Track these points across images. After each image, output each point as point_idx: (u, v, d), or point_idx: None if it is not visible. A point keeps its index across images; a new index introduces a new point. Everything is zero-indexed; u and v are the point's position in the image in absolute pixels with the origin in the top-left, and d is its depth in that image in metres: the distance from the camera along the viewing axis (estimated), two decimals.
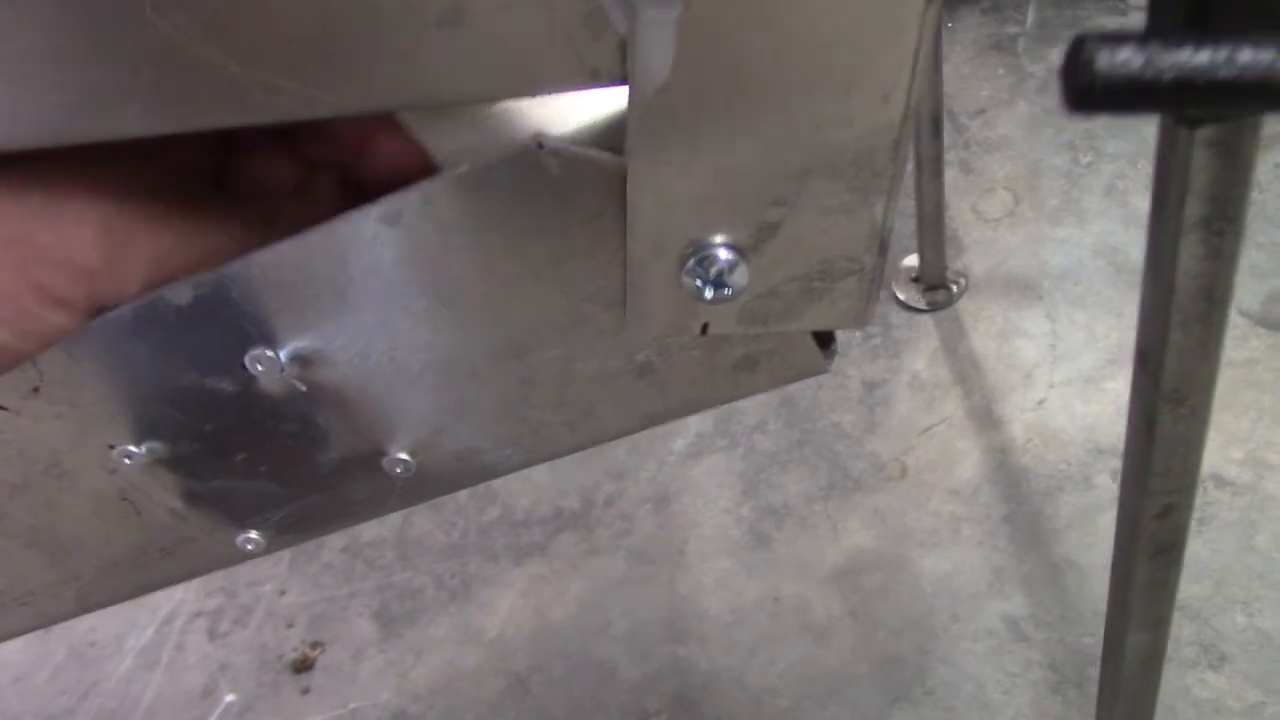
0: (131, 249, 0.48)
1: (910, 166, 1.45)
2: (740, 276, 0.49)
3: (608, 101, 0.59)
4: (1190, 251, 0.46)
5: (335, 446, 0.57)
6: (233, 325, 0.51)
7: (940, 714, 1.19)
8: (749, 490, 1.44)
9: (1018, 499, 1.33)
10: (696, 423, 1.55)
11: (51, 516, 0.59)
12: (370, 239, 0.48)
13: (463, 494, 1.58)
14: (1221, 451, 1.29)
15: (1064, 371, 1.42)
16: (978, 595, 1.27)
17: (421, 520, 1.58)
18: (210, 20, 0.39)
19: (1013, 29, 1.85)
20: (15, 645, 1.64)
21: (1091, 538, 1.27)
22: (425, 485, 0.59)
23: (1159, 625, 0.68)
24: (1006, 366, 1.45)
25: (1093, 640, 1.19)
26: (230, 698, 1.50)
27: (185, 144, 0.50)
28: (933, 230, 1.48)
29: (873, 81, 0.43)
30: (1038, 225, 1.57)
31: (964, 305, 1.52)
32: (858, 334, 1.57)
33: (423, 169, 0.47)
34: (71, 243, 0.45)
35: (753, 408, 1.53)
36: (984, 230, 1.59)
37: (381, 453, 0.57)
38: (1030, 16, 1.87)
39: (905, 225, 1.56)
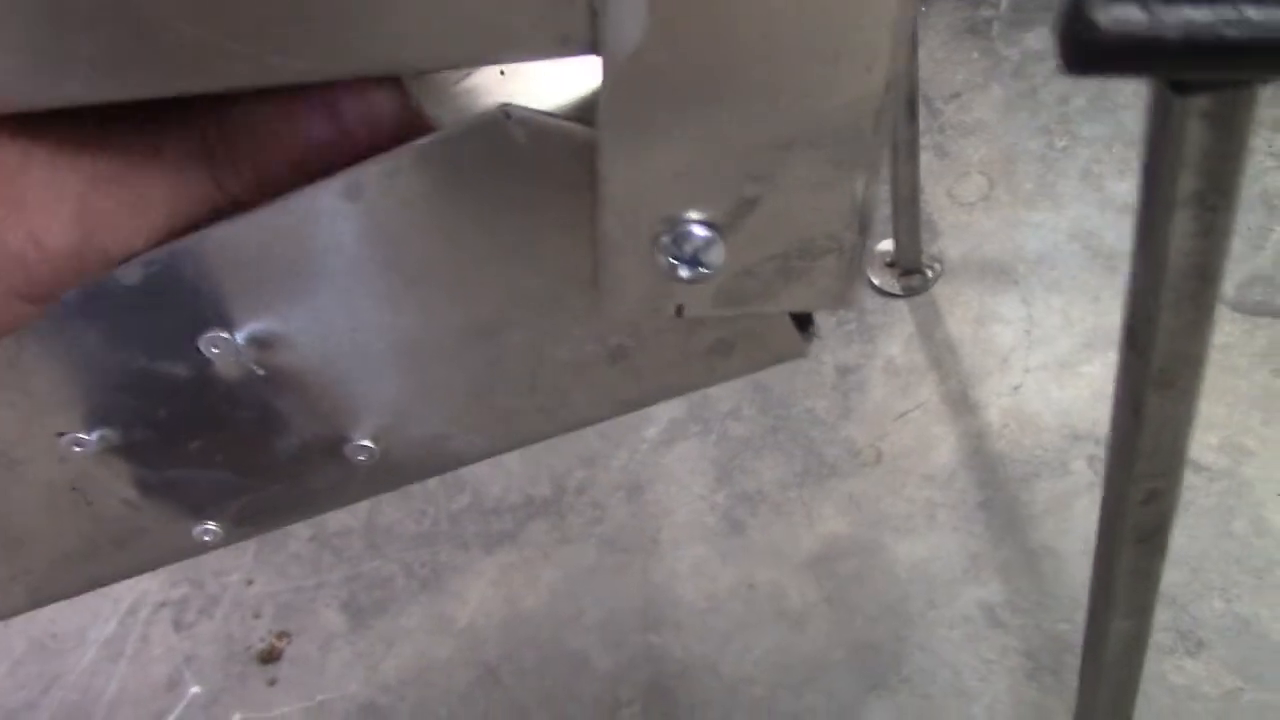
0: (106, 236, 0.45)
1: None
2: (716, 255, 0.48)
3: (585, 78, 0.57)
4: (1182, 228, 0.45)
5: (295, 433, 0.55)
6: (186, 306, 0.49)
7: (917, 701, 1.18)
8: (723, 477, 1.42)
9: (994, 485, 1.32)
10: (669, 409, 1.53)
11: (2, 508, 0.57)
12: (330, 214, 0.46)
13: (432, 481, 1.56)
14: (1198, 437, 1.28)
15: (1040, 356, 1.41)
16: (954, 581, 1.26)
17: (390, 509, 1.56)
18: None
19: (987, 12, 1.84)
20: None
21: (1068, 524, 1.26)
22: (390, 473, 0.57)
23: (1142, 613, 0.67)
24: (982, 352, 1.44)
25: (1069, 627, 1.19)
26: (196, 689, 1.47)
27: (172, 115, 0.48)
28: (908, 214, 1.47)
29: (856, 48, 0.41)
30: (1013, 210, 1.56)
31: (939, 290, 1.51)
32: (832, 319, 1.56)
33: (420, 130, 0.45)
34: (44, 237, 0.43)
35: (726, 394, 1.51)
36: (959, 215, 1.58)
37: (344, 439, 0.55)
38: (1004, 0, 1.85)
39: (880, 210, 1.55)
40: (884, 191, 1.51)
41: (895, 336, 1.49)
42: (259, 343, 0.50)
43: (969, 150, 1.65)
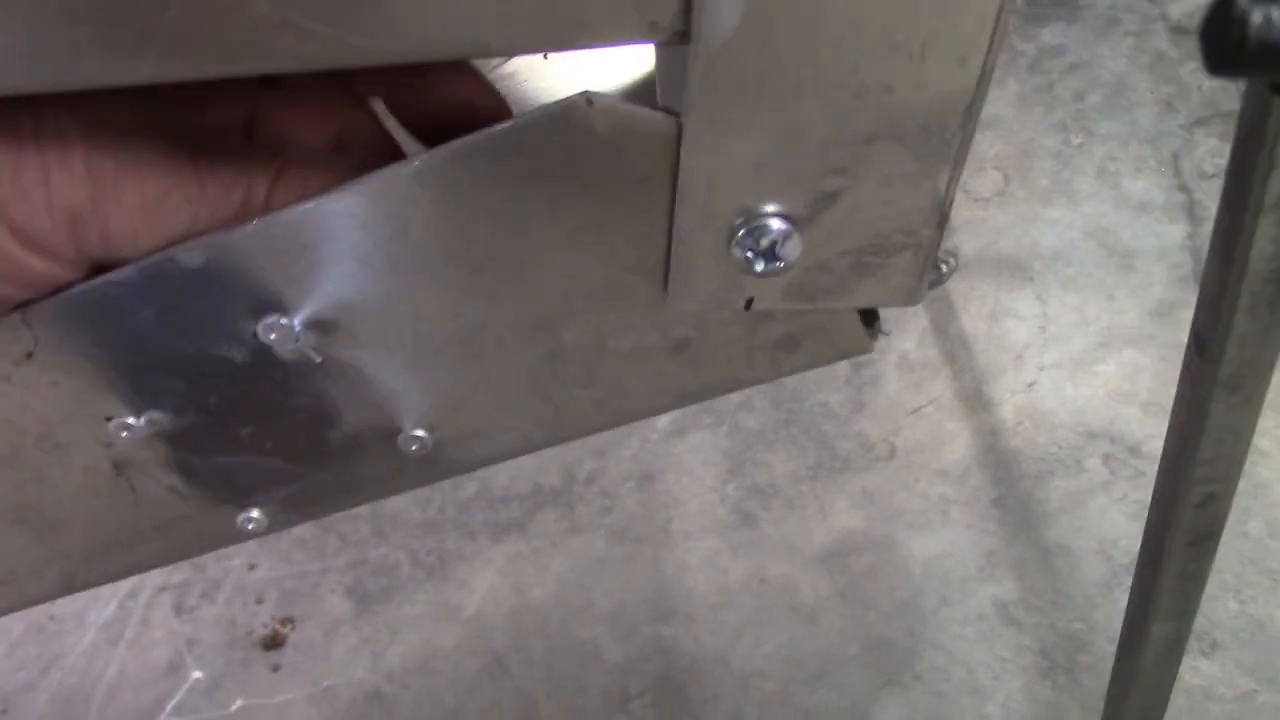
0: (119, 195, 0.44)
1: None
2: (793, 249, 0.47)
3: (632, 62, 0.55)
4: (1268, 232, 0.44)
5: (348, 421, 0.54)
6: (246, 290, 0.48)
7: (930, 699, 1.18)
8: (735, 469, 1.42)
9: (1008, 482, 1.31)
10: None
11: (40, 491, 0.56)
12: (400, 199, 0.45)
13: None
14: None
15: (1054, 354, 1.40)
16: (968, 579, 1.25)
17: (397, 496, 1.55)
18: None
19: None
20: None
21: (1082, 522, 1.26)
22: (441, 463, 0.56)
23: (1185, 616, 0.67)
24: (996, 348, 1.43)
25: (1083, 626, 1.18)
26: (197, 674, 1.46)
27: (197, 92, 0.46)
28: None
29: (951, 42, 0.40)
30: (1029, 205, 1.55)
31: (954, 285, 1.50)
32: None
33: (497, 115, 0.44)
34: (53, 182, 0.42)
35: None
36: (974, 210, 1.57)
37: (397, 429, 0.54)
38: None
39: None
40: None
41: (909, 331, 1.49)
42: (318, 328, 0.49)
43: (984, 145, 1.64)
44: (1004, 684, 1.17)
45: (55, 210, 0.42)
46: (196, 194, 0.45)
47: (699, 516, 1.39)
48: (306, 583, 1.49)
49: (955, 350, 1.44)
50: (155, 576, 1.58)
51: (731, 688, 1.24)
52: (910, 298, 0.51)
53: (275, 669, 1.43)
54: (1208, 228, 1.46)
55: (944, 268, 1.52)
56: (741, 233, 0.47)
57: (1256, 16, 0.27)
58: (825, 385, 1.47)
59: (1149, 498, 1.25)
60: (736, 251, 0.48)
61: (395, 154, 0.47)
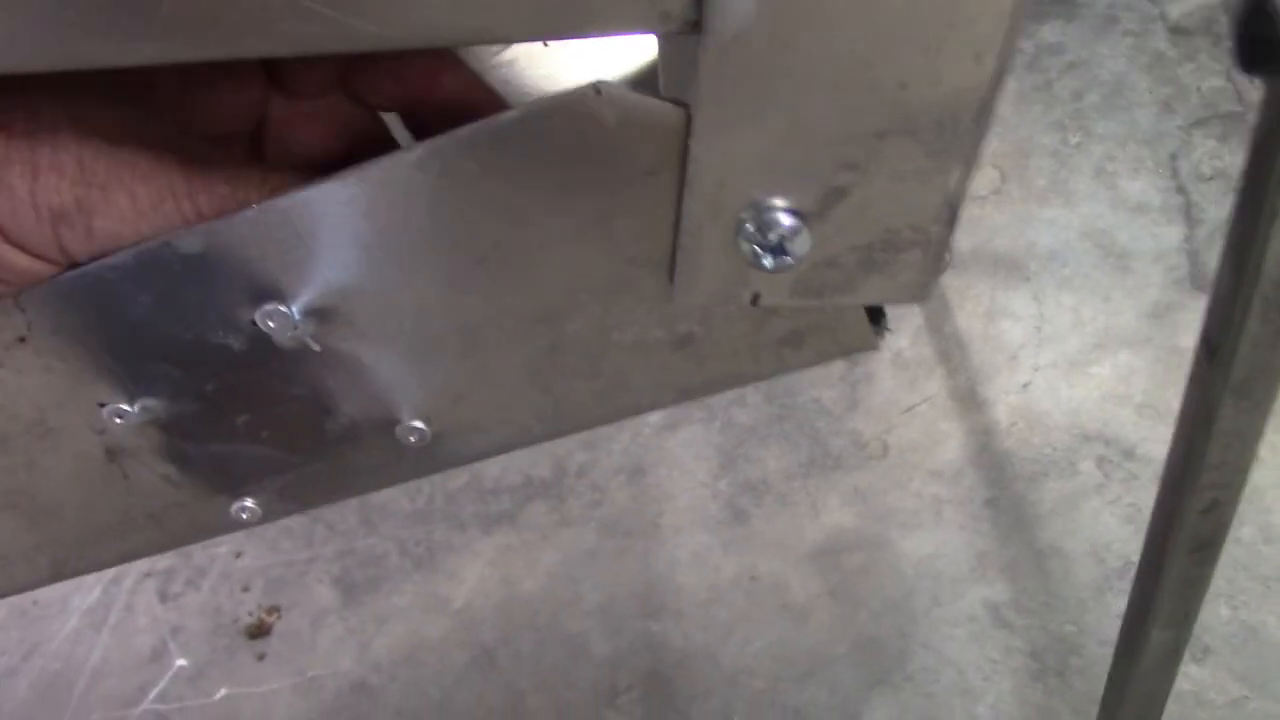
0: (109, 199, 0.43)
1: None
2: (801, 244, 0.46)
3: (637, 49, 0.55)
4: None
5: (346, 411, 0.53)
6: (245, 277, 0.47)
7: (920, 700, 1.17)
8: (726, 464, 1.41)
9: (1001, 483, 1.31)
10: None
11: (31, 477, 0.55)
12: (404, 186, 0.44)
13: None
14: None
15: (1049, 354, 1.40)
16: (959, 579, 1.25)
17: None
18: None
19: None
20: None
21: (1075, 524, 1.26)
22: (438, 455, 0.56)
23: (1185, 622, 0.66)
24: (992, 347, 1.43)
25: (1075, 628, 1.18)
26: (181, 662, 1.45)
27: (204, 95, 0.46)
28: None
29: (967, 37, 0.40)
30: (1025, 205, 1.55)
31: (949, 283, 1.50)
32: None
33: (491, 109, 0.44)
34: (41, 180, 0.41)
35: None
36: (971, 208, 1.57)
37: (396, 419, 0.53)
38: None
39: None
40: None
41: (904, 329, 1.48)
42: (317, 317, 0.48)
43: None
44: (994, 685, 1.17)
45: (40, 208, 0.42)
46: (188, 204, 0.45)
47: (690, 511, 1.38)
48: (293, 572, 1.48)
49: (950, 349, 1.44)
50: (139, 562, 1.57)
51: (720, 684, 1.23)
52: (919, 294, 0.51)
53: (260, 658, 1.42)
54: (1205, 230, 1.46)
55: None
56: (749, 227, 0.47)
57: None
58: (819, 382, 1.46)
59: (1142, 501, 1.25)
60: (744, 246, 0.47)
61: None
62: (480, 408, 0.54)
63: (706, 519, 1.37)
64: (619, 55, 0.52)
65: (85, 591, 1.58)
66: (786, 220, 0.45)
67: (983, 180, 1.59)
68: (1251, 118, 1.47)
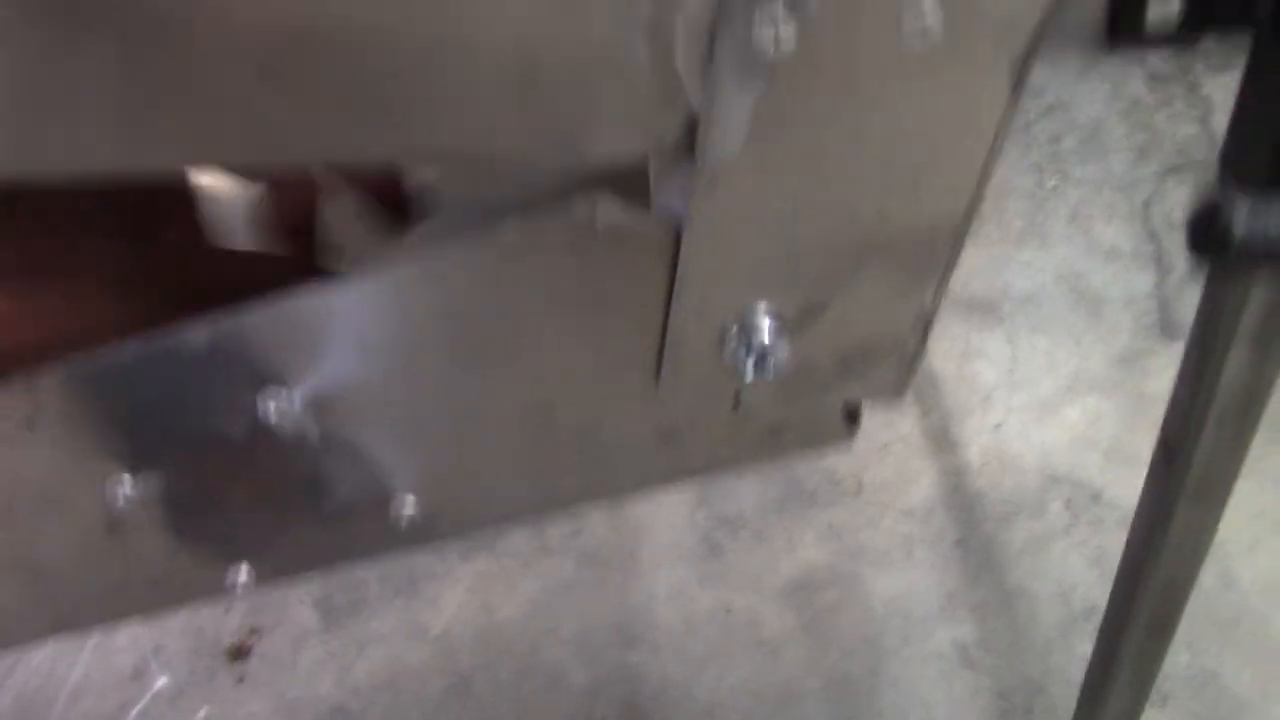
0: (11, 335, 0.46)
1: None
2: (783, 353, 0.48)
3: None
4: (1238, 359, 0.46)
5: (342, 489, 0.55)
6: (250, 368, 0.49)
7: None
8: (704, 498, 1.43)
9: (971, 523, 1.34)
10: None
11: (34, 543, 0.57)
12: (408, 289, 0.47)
13: None
14: None
15: (1022, 397, 1.43)
16: (929, 618, 1.27)
17: None
18: (266, 66, 0.37)
19: None
20: None
21: (1044, 566, 1.29)
22: (429, 531, 0.58)
23: (1141, 691, 0.69)
24: (965, 388, 1.46)
25: (1042, 669, 1.21)
26: (162, 681, 1.46)
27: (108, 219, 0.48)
28: None
29: (946, 173, 0.42)
30: (1002, 247, 1.58)
31: None
32: None
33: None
34: None
35: None
36: None
37: (388, 497, 0.55)
38: None
39: None
40: None
41: None
42: (318, 404, 0.50)
43: None
44: None
45: None
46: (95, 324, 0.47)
47: (667, 544, 1.40)
48: (275, 594, 1.49)
49: (924, 388, 1.46)
50: None
51: (695, 718, 1.25)
52: (894, 393, 0.53)
53: (240, 679, 1.43)
54: (1175, 277, 1.50)
55: None
56: (733, 335, 0.49)
57: (1241, 222, 0.29)
58: None
59: (1108, 544, 1.28)
60: (727, 352, 0.49)
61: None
62: (472, 487, 0.56)
63: (683, 552, 1.39)
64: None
65: None
66: (769, 330, 0.48)
67: None
68: None
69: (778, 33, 0.37)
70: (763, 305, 0.47)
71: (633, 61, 0.37)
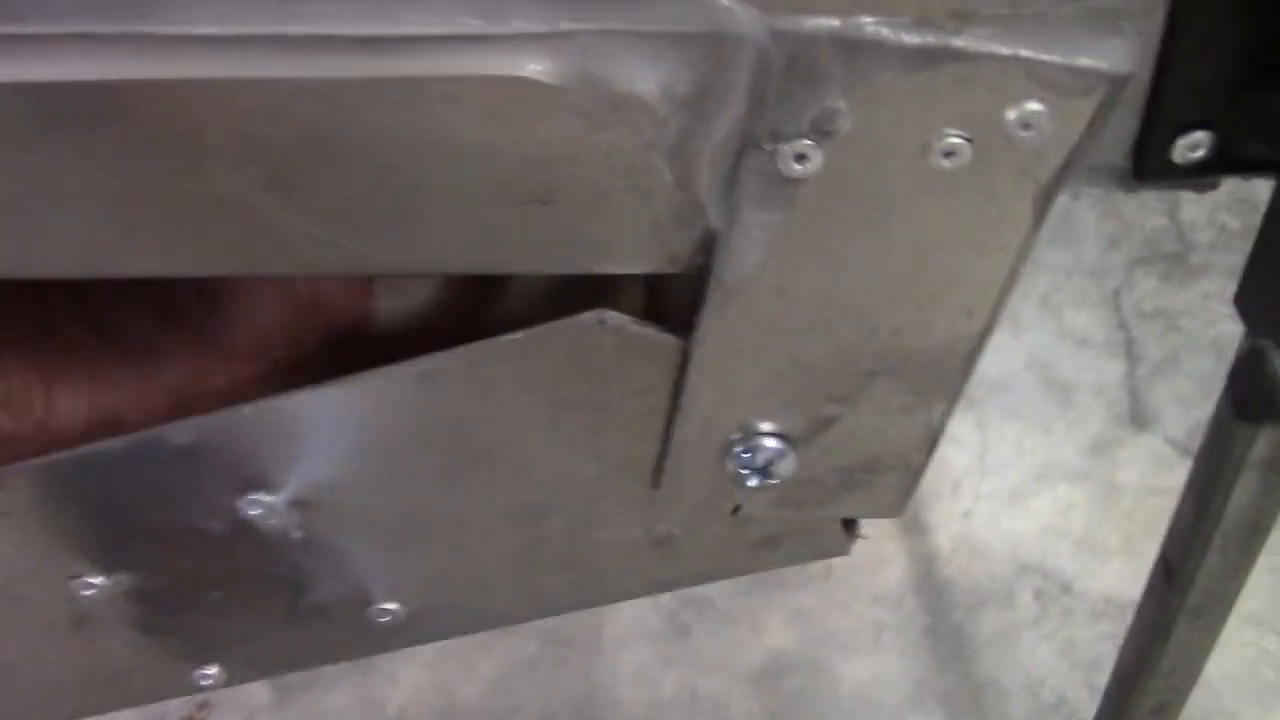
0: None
1: None
2: (787, 466, 0.47)
3: None
4: (1247, 485, 0.45)
5: (320, 591, 0.53)
6: (233, 468, 0.47)
7: None
8: None
9: (940, 611, 1.33)
10: None
11: None
12: (403, 395, 0.45)
13: None
14: (1134, 584, 1.30)
15: (992, 484, 1.42)
16: (898, 707, 1.26)
17: None
18: (277, 178, 0.36)
19: None
20: None
21: (1012, 657, 1.27)
22: (409, 634, 0.56)
23: None
24: (936, 473, 1.45)
25: None
26: None
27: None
28: None
29: (962, 295, 0.42)
30: None
31: None
32: None
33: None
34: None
35: None
36: None
37: (369, 601, 0.54)
38: None
39: None
40: None
41: None
42: (301, 506, 0.49)
43: None
44: None
45: None
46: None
47: (633, 624, 1.38)
48: None
49: None
50: None
51: None
52: (895, 510, 0.52)
53: None
54: (1145, 368, 1.50)
55: None
56: (738, 448, 0.48)
57: None
58: None
59: (1077, 636, 1.28)
60: (731, 464, 0.48)
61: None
62: (456, 593, 0.54)
63: (649, 632, 1.37)
64: None
65: None
66: (774, 445, 0.47)
67: None
68: (1193, 259, 1.50)
69: (804, 156, 0.36)
70: (769, 420, 0.46)
71: (654, 184, 0.36)
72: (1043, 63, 0.34)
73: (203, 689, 0.57)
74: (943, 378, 0.45)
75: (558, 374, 0.45)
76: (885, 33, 0.33)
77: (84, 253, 0.37)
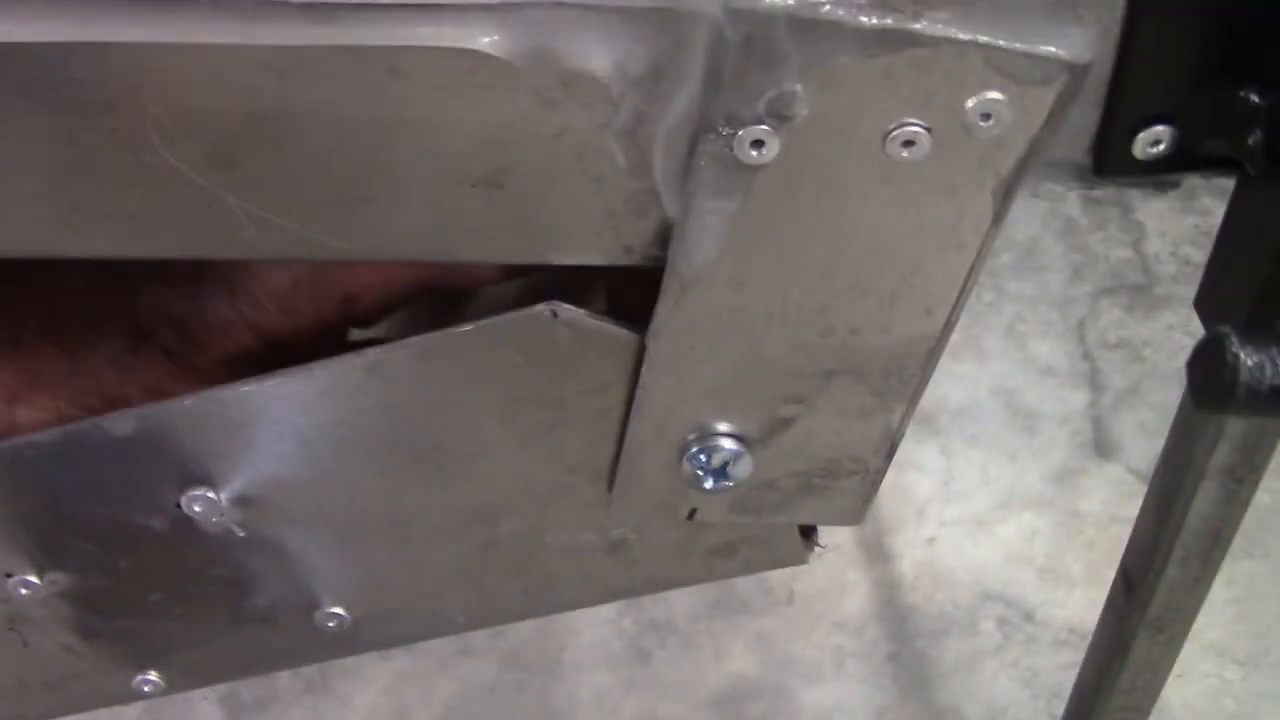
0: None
1: None
2: (743, 468, 0.46)
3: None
4: (1207, 495, 0.45)
5: (264, 594, 0.52)
6: (174, 462, 0.46)
7: None
8: (632, 602, 1.40)
9: (903, 638, 1.32)
10: None
11: None
12: (350, 388, 0.44)
13: None
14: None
15: (956, 510, 1.42)
16: None
17: None
18: (219, 153, 0.35)
19: None
20: None
21: (975, 685, 1.27)
22: (356, 640, 0.54)
23: None
24: (899, 499, 1.44)
25: None
26: None
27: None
28: None
29: (921, 292, 0.41)
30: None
31: None
32: None
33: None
34: None
35: None
36: None
37: (315, 605, 0.52)
38: None
39: None
40: None
41: None
42: (245, 504, 0.47)
43: None
44: None
45: None
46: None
47: (593, 648, 1.36)
48: None
49: None
50: None
51: None
52: (854, 518, 0.51)
53: None
54: (1109, 397, 1.51)
55: None
56: (694, 449, 0.47)
57: (1248, 365, 0.27)
58: None
59: (1040, 665, 1.27)
60: (687, 466, 0.47)
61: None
62: (405, 598, 0.53)
63: (609, 657, 1.35)
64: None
65: None
66: (731, 446, 0.46)
67: None
68: (1157, 290, 1.51)
69: (761, 142, 0.35)
70: (726, 421, 0.45)
71: (607, 168, 0.36)
72: (1002, 49, 0.34)
73: (145, 696, 0.55)
74: (902, 379, 0.45)
75: (510, 368, 0.44)
76: (842, 14, 0.33)
77: (18, 230, 0.36)
